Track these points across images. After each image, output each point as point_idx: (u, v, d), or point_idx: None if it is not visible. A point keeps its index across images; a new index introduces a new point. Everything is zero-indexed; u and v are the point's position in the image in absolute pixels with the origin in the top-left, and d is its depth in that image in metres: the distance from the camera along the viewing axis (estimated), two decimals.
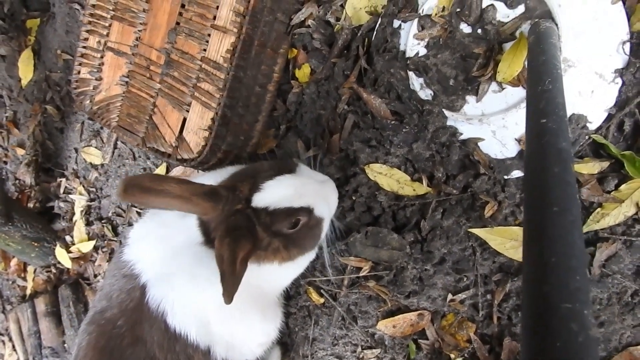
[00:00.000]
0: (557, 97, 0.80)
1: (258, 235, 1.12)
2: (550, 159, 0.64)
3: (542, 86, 0.84)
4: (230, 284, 0.95)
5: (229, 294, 0.94)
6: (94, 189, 2.20)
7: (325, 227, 1.26)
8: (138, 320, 1.16)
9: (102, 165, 2.14)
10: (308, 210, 1.16)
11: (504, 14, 1.22)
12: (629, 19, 1.14)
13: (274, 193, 1.13)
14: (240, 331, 1.28)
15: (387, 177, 1.34)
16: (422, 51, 1.31)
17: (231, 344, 1.26)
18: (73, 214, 2.27)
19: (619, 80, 1.15)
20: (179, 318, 1.15)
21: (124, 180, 0.97)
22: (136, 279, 1.19)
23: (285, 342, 1.60)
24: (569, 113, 1.15)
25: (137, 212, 2.04)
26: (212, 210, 1.09)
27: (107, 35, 1.69)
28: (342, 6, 1.47)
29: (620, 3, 1.14)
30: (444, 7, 1.27)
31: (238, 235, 1.02)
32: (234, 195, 1.11)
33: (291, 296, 1.55)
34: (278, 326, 1.44)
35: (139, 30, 1.62)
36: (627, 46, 1.14)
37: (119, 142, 2.08)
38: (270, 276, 1.25)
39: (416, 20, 1.30)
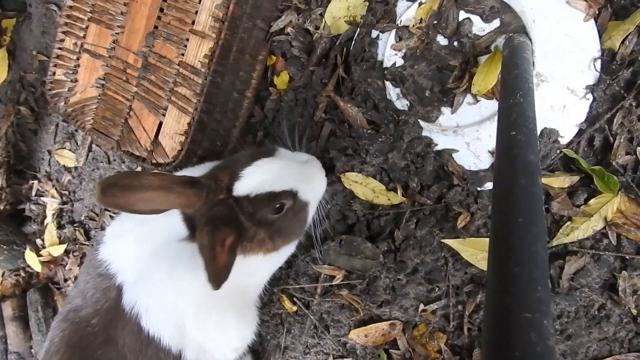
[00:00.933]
0: (528, 110, 0.81)
1: (243, 225, 1.09)
2: (518, 171, 0.65)
3: (513, 99, 0.85)
4: (212, 271, 0.93)
5: (214, 281, 0.92)
6: (66, 192, 2.16)
7: (312, 211, 1.23)
8: (112, 320, 1.13)
9: (76, 168, 2.11)
10: (291, 194, 1.13)
11: (480, 28, 1.23)
12: (600, 37, 1.17)
13: (254, 178, 1.10)
14: (215, 334, 1.25)
15: (363, 186, 1.35)
16: (399, 62, 1.32)
17: (204, 348, 1.23)
18: (44, 217, 2.22)
19: (590, 96, 1.17)
20: (153, 321, 1.13)
21: (100, 182, 0.93)
22: (112, 279, 1.16)
23: (257, 350, 1.58)
24: (541, 127, 1.17)
25: (110, 215, 2.01)
26: (196, 199, 1.05)
27: (84, 37, 1.67)
28: (322, 15, 1.47)
29: (592, 21, 1.17)
30: (421, 19, 1.28)
31: (220, 224, 0.99)
32: (215, 184, 1.09)
33: (264, 304, 1.54)
34: (254, 330, 1.40)
35: (116, 33, 1.60)
36: (598, 63, 1.17)
37: (93, 145, 2.05)
38: (254, 269, 1.22)
39: (394, 31, 1.31)
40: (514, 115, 0.80)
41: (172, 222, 1.14)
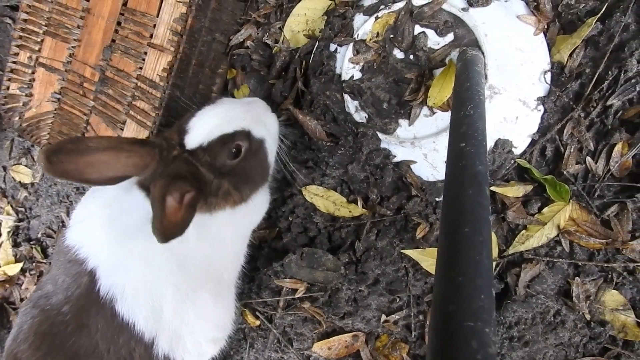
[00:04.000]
0: (478, 122, 0.83)
1: (204, 178, 1.05)
2: (466, 181, 0.66)
3: (464, 111, 0.87)
4: (159, 222, 0.89)
5: (161, 233, 0.88)
6: (22, 209, 2.10)
7: (271, 149, 1.19)
8: (85, 307, 1.06)
9: (32, 184, 2.05)
10: (244, 133, 1.10)
11: (435, 42, 1.26)
12: (549, 50, 1.21)
13: (202, 127, 1.07)
14: (191, 317, 1.16)
15: (324, 198, 1.35)
16: (357, 75, 1.33)
17: (178, 334, 1.15)
18: None
19: (541, 108, 1.21)
20: (128, 304, 1.06)
21: (44, 151, 0.88)
22: (82, 264, 1.09)
23: None
24: (495, 138, 1.20)
25: None
26: (150, 158, 1.01)
27: (39, 50, 1.64)
28: (281, 29, 1.48)
29: (542, 35, 1.21)
30: (378, 33, 1.30)
31: (176, 177, 0.95)
32: (166, 142, 1.05)
33: None
34: (232, 319, 1.33)
35: (72, 47, 1.58)
36: (548, 75, 1.21)
37: None
38: (225, 230, 1.16)
39: (351, 44, 1.33)
40: (464, 127, 0.82)
41: (139, 202, 1.08)
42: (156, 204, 0.90)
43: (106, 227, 1.12)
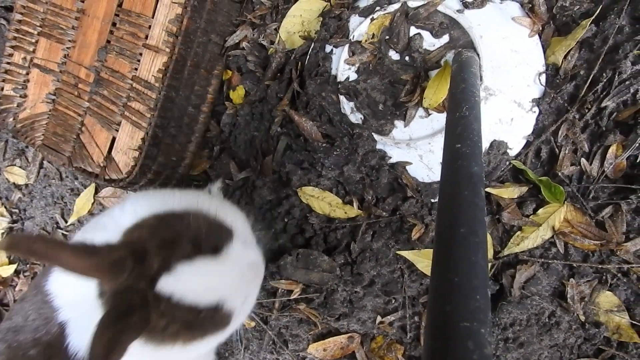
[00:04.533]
0: (473, 123, 0.83)
1: (151, 321, 0.89)
2: (461, 182, 0.66)
3: (459, 112, 0.87)
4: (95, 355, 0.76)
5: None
6: (17, 210, 2.08)
7: (237, 319, 1.03)
8: (51, 358, 1.02)
9: (27, 185, 2.04)
10: (215, 307, 0.95)
11: (430, 43, 1.26)
12: (544, 52, 1.21)
13: (184, 282, 0.91)
14: None
15: (319, 200, 1.35)
16: (353, 76, 1.34)
17: None
18: None
19: (536, 109, 1.21)
20: None
21: (9, 238, 0.78)
22: (54, 313, 1.03)
23: None
24: (490, 139, 1.21)
25: (62, 234, 1.95)
26: (113, 282, 0.88)
27: (34, 51, 1.63)
28: (276, 30, 1.48)
29: (537, 37, 1.21)
30: (373, 34, 1.31)
31: (124, 316, 0.83)
32: (140, 268, 0.90)
33: None
34: None
35: (67, 48, 1.57)
36: (543, 77, 1.21)
37: (45, 162, 1.99)
38: (179, 356, 1.01)
39: (347, 45, 1.33)
40: (459, 129, 0.82)
41: None
42: (97, 344, 0.77)
43: (82, 282, 0.99)
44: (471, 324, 0.45)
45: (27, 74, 1.65)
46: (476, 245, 0.54)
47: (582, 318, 1.17)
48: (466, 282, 0.49)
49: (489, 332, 0.45)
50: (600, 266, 1.16)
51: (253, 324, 1.47)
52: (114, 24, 1.49)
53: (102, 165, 1.51)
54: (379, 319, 1.32)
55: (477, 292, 0.48)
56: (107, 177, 1.51)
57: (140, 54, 1.45)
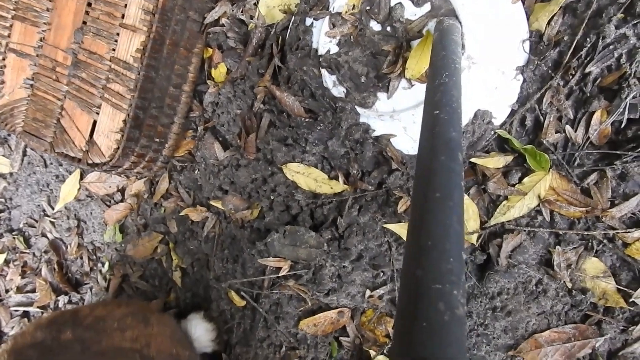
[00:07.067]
0: (452, 90, 0.82)
1: None
2: (439, 148, 0.65)
3: (439, 79, 0.86)
4: None
5: None
6: (2, 200, 2.06)
7: None
8: None
9: (11, 174, 2.02)
10: None
11: (411, 12, 1.24)
12: (528, 18, 1.19)
13: None
14: None
15: (305, 176, 1.34)
16: (334, 49, 1.31)
17: None
18: None
19: (520, 77, 1.20)
20: None
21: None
22: None
23: None
24: (475, 109, 1.19)
25: (50, 221, 1.93)
26: None
27: (9, 36, 1.59)
28: (256, 5, 1.45)
29: (520, 3, 1.19)
30: (354, 5, 1.28)
31: None
32: None
33: (212, 300, 1.51)
34: None
35: (42, 31, 1.54)
36: (527, 44, 1.19)
37: (28, 149, 1.97)
38: None
39: (327, 18, 1.30)
40: (438, 95, 0.80)
41: None
42: None
43: None
44: (443, 286, 0.44)
45: (4, 59, 1.62)
46: (451, 209, 0.53)
47: (569, 285, 1.17)
48: (439, 245, 0.48)
49: (463, 294, 0.45)
50: (586, 233, 1.16)
51: (243, 302, 1.46)
52: (89, 4, 1.45)
53: (84, 149, 1.49)
54: (368, 292, 1.32)
55: (450, 254, 0.47)
56: (89, 162, 1.50)
57: (118, 34, 1.41)
